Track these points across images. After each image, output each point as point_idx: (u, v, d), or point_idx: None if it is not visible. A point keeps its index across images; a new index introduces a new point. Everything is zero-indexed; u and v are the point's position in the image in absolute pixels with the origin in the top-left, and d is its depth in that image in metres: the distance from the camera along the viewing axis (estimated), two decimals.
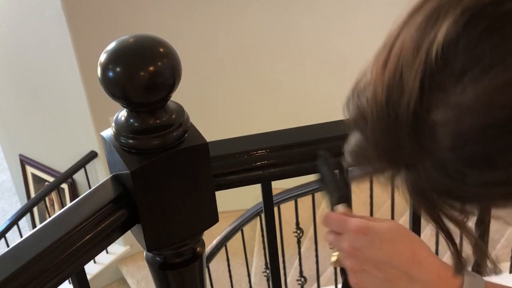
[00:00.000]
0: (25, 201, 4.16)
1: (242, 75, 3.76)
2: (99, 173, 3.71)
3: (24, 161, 4.06)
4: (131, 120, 0.67)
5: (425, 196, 0.48)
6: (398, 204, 2.70)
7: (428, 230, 3.13)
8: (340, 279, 1.07)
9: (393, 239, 0.65)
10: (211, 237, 2.56)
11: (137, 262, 3.90)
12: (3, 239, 3.52)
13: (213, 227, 0.76)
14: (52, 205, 4.00)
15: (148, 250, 0.73)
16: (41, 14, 3.25)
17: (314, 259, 2.81)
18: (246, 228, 2.80)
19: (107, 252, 3.86)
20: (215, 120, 3.74)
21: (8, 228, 3.53)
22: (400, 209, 3.11)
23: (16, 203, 4.89)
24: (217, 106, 3.81)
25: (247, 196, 3.26)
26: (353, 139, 0.51)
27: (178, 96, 0.68)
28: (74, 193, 3.85)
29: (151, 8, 3.39)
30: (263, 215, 0.91)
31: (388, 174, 0.50)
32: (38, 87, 3.65)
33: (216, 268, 3.55)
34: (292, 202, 2.59)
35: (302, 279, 2.84)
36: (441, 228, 0.52)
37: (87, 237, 0.66)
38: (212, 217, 0.75)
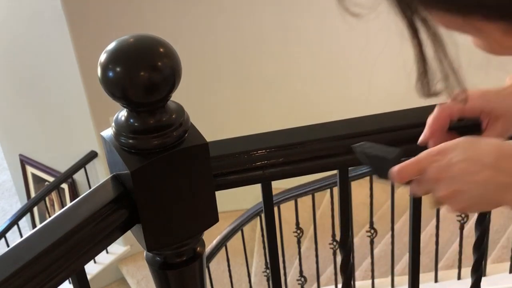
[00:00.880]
0: (25, 201, 4.15)
1: (242, 75, 3.76)
2: (99, 173, 3.71)
3: (24, 161, 4.06)
4: (131, 120, 0.67)
5: None
6: (398, 204, 2.69)
7: (428, 230, 3.13)
8: (340, 279, 1.07)
9: (473, 143, 0.64)
10: (211, 237, 2.56)
11: (137, 262, 3.90)
12: (3, 239, 3.52)
13: (213, 227, 0.76)
14: (52, 205, 4.00)
15: (148, 250, 0.73)
16: (41, 14, 3.25)
17: (314, 259, 2.81)
18: (246, 228, 2.81)
19: (107, 252, 3.86)
20: (215, 120, 3.74)
21: (8, 228, 3.53)
22: (400, 209, 3.11)
23: (16, 203, 4.89)
24: (217, 106, 3.81)
25: (247, 196, 3.26)
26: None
27: (178, 96, 0.68)
28: (74, 193, 3.85)
29: (151, 8, 3.39)
30: (263, 215, 0.91)
31: None
32: (38, 87, 3.65)
33: (216, 268, 3.55)
34: (292, 202, 2.59)
35: (302, 279, 2.84)
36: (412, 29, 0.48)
37: (87, 237, 0.66)
38: (212, 217, 0.75)
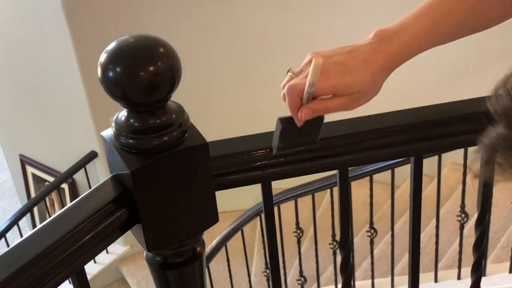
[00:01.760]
0: (25, 201, 4.15)
1: (242, 75, 3.75)
2: (99, 173, 3.71)
3: (24, 161, 4.06)
4: (131, 120, 0.67)
5: None
6: (398, 204, 2.70)
7: (428, 230, 3.14)
8: (340, 279, 1.07)
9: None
10: (211, 237, 2.56)
11: (137, 262, 3.90)
12: (3, 239, 3.52)
13: (213, 227, 0.76)
14: (52, 205, 4.00)
15: (148, 250, 0.73)
16: (41, 14, 3.25)
17: (314, 259, 2.81)
18: (246, 228, 2.81)
19: (107, 252, 3.86)
20: (215, 120, 3.74)
21: (8, 228, 3.53)
22: (400, 209, 3.12)
23: (16, 203, 4.89)
24: (217, 106, 3.81)
25: (247, 196, 3.25)
26: (496, 132, 0.51)
27: (178, 96, 0.68)
28: (74, 193, 3.85)
29: (151, 8, 3.39)
30: (263, 215, 0.91)
31: None
32: (38, 87, 3.65)
33: (216, 268, 3.56)
34: (292, 202, 2.59)
35: (302, 279, 2.84)
36: None
37: (87, 237, 0.66)
38: (212, 217, 0.75)
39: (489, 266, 2.48)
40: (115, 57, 0.63)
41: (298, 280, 2.86)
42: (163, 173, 0.67)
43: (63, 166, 3.73)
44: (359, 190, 3.63)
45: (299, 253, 2.81)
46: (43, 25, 3.29)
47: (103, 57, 0.64)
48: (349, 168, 0.90)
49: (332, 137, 0.80)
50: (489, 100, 0.51)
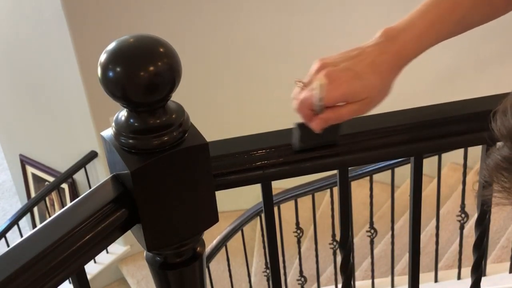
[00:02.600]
0: (25, 201, 4.16)
1: (242, 75, 3.75)
2: (99, 173, 3.71)
3: (24, 161, 4.06)
4: (131, 120, 0.67)
5: None
6: (398, 204, 2.70)
7: (428, 230, 3.14)
8: (340, 279, 1.07)
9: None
10: (211, 237, 2.56)
11: (137, 262, 3.90)
12: (3, 239, 3.52)
13: (213, 227, 0.76)
14: (52, 205, 4.00)
15: (148, 250, 0.73)
16: (41, 14, 3.25)
17: (314, 259, 2.81)
18: (246, 228, 2.81)
19: (107, 252, 3.86)
20: (215, 120, 3.74)
21: (8, 228, 3.53)
22: (400, 209, 3.12)
23: (16, 203, 4.89)
24: (217, 106, 3.81)
25: (247, 196, 3.26)
26: (501, 155, 0.48)
27: (178, 96, 0.68)
28: (74, 193, 3.85)
29: (151, 8, 3.39)
30: (263, 215, 0.91)
31: None
32: (38, 87, 3.65)
33: (216, 268, 3.56)
34: (292, 202, 2.59)
35: (302, 279, 2.84)
36: None
37: (87, 237, 0.66)
38: (212, 217, 0.75)
39: (489, 266, 2.48)
40: (115, 57, 0.63)
41: (298, 280, 2.86)
42: (163, 173, 0.67)
43: (63, 166, 3.73)
44: (359, 190, 3.63)
45: (299, 253, 2.81)
46: (43, 25, 3.29)
47: (103, 57, 0.64)
48: (349, 168, 0.90)
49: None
50: (493, 121, 0.49)
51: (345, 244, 0.95)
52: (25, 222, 4.23)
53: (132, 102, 0.65)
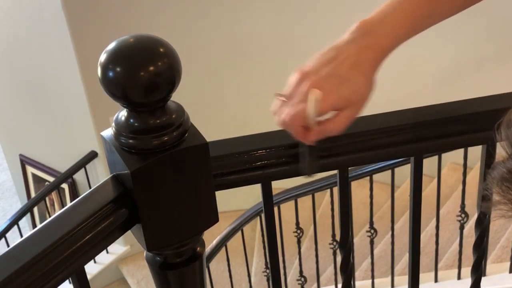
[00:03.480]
0: (25, 201, 4.15)
1: (242, 75, 3.75)
2: (99, 173, 3.71)
3: (24, 161, 4.06)
4: (131, 120, 0.67)
5: None
6: (398, 204, 2.70)
7: (428, 230, 3.14)
8: (340, 279, 1.07)
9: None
10: (211, 237, 2.56)
11: (137, 262, 3.90)
12: (3, 239, 3.52)
13: (213, 227, 0.76)
14: (52, 205, 4.00)
15: (148, 250, 0.73)
16: (41, 14, 3.25)
17: (314, 259, 2.81)
18: (246, 228, 2.81)
19: (107, 252, 3.86)
20: (215, 120, 3.74)
21: (8, 228, 3.53)
22: (400, 209, 3.12)
23: (16, 203, 4.89)
24: (217, 106, 3.81)
25: (247, 196, 3.25)
26: (507, 168, 0.47)
27: (178, 96, 0.68)
28: (74, 193, 3.85)
29: (151, 8, 3.39)
30: (263, 215, 0.91)
31: None
32: (38, 87, 3.65)
33: (216, 268, 3.56)
34: (292, 202, 2.59)
35: (302, 279, 2.84)
36: None
37: (87, 237, 0.66)
38: (212, 217, 0.75)
39: (489, 266, 2.48)
40: (115, 57, 0.63)
41: (298, 280, 2.86)
42: (163, 173, 0.67)
43: (63, 166, 3.73)
44: (359, 190, 3.63)
45: (299, 253, 2.81)
46: (43, 25, 3.29)
47: (103, 57, 0.64)
48: (349, 168, 0.90)
49: (332, 137, 0.80)
50: (497, 134, 0.48)
51: (345, 244, 0.95)
52: (25, 222, 4.23)
53: (132, 102, 0.65)
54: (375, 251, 2.97)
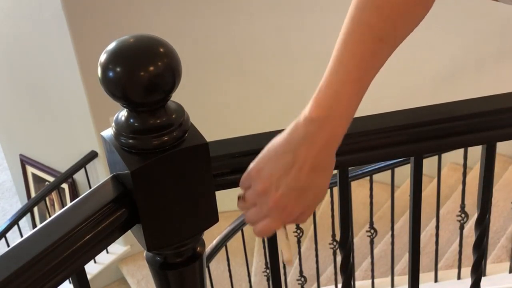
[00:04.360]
0: (25, 201, 4.15)
1: (242, 75, 3.75)
2: (99, 173, 3.71)
3: (24, 161, 4.06)
4: (131, 120, 0.67)
5: None
6: (398, 204, 2.69)
7: (428, 230, 3.13)
8: (340, 279, 1.07)
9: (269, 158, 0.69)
10: (211, 237, 2.56)
11: (137, 262, 3.90)
12: (3, 239, 3.52)
13: (213, 227, 0.76)
14: (53, 205, 4.00)
15: (148, 250, 0.73)
16: (41, 14, 3.25)
17: (314, 259, 2.81)
18: (246, 228, 2.80)
19: (107, 252, 3.86)
20: (215, 120, 3.74)
21: (8, 228, 3.53)
22: (400, 209, 3.12)
23: (16, 203, 4.89)
24: (217, 106, 3.81)
25: None
26: None
27: (178, 96, 0.68)
28: (74, 193, 3.85)
29: (151, 8, 3.39)
30: None
31: None
32: (38, 87, 3.65)
33: (216, 268, 3.55)
34: None
35: (302, 279, 2.84)
36: None
37: (87, 237, 0.66)
38: (212, 217, 0.75)
39: (489, 266, 2.48)
40: (115, 57, 0.63)
41: (298, 280, 2.86)
42: (163, 173, 0.67)
43: (63, 166, 3.73)
44: (359, 190, 3.63)
45: (299, 253, 2.81)
46: (43, 25, 3.29)
47: (103, 57, 0.64)
48: (349, 168, 0.90)
49: None
50: None
51: (345, 244, 0.95)
52: (25, 222, 4.23)
53: (132, 102, 0.65)
54: (375, 251, 2.97)
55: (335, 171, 0.88)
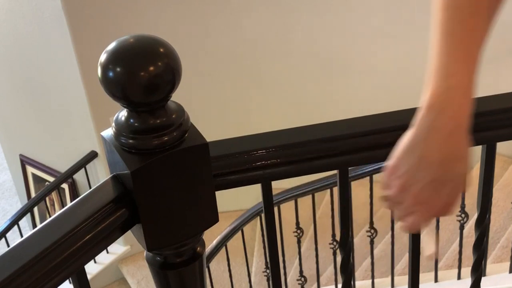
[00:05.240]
0: (25, 201, 4.15)
1: (242, 75, 3.76)
2: (99, 173, 3.71)
3: (24, 161, 4.06)
4: (131, 120, 0.67)
5: None
6: None
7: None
8: (340, 279, 1.07)
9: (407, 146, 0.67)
10: (211, 237, 2.56)
11: (137, 262, 3.90)
12: (3, 239, 3.52)
13: (213, 227, 0.76)
14: (53, 205, 4.00)
15: (148, 250, 0.73)
16: (41, 14, 3.25)
17: (314, 259, 2.81)
18: (246, 228, 2.80)
19: (107, 252, 3.86)
20: (215, 120, 3.74)
21: (8, 228, 3.53)
22: None
23: (17, 203, 4.90)
24: (217, 106, 3.82)
25: (247, 196, 3.26)
26: None
27: (178, 96, 0.68)
28: (74, 193, 3.85)
29: (151, 8, 3.39)
30: (263, 215, 0.91)
31: None
32: (38, 87, 3.65)
33: (216, 268, 3.56)
34: (292, 202, 2.59)
35: (302, 279, 2.84)
36: None
37: (87, 237, 0.66)
38: (212, 217, 0.75)
39: (489, 266, 2.48)
40: (115, 57, 0.63)
41: (298, 280, 2.86)
42: (163, 173, 0.67)
43: (63, 166, 3.73)
44: (359, 190, 3.62)
45: (299, 253, 2.81)
46: (43, 25, 3.29)
47: (103, 57, 0.64)
48: (349, 168, 0.90)
49: (332, 137, 0.80)
50: None
51: (345, 244, 0.95)
52: (25, 222, 4.23)
53: (132, 102, 0.65)
54: (375, 251, 2.97)
55: (335, 171, 0.88)
